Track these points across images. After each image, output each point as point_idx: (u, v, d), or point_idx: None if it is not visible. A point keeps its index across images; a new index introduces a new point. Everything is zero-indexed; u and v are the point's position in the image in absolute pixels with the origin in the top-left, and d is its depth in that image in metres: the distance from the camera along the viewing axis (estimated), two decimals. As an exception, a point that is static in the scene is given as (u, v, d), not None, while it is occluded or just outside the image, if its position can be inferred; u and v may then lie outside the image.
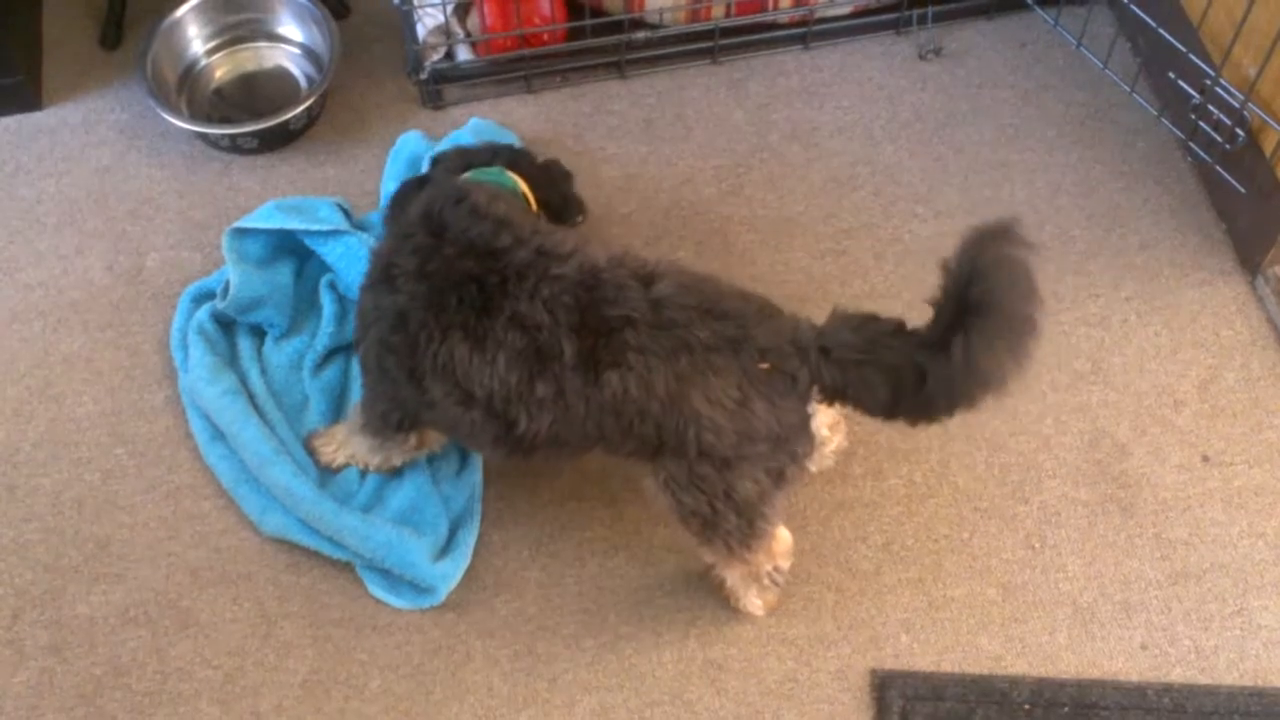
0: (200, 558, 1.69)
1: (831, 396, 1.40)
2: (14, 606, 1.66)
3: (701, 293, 1.39)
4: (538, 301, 1.38)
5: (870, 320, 1.38)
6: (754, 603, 1.61)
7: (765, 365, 1.36)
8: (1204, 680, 1.59)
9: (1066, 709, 1.56)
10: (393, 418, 1.56)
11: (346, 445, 1.70)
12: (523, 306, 1.38)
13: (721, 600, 1.64)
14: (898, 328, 1.37)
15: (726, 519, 1.42)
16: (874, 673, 1.60)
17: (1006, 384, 1.30)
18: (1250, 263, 1.91)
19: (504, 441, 1.44)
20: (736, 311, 1.38)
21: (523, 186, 1.63)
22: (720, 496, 1.40)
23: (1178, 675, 1.60)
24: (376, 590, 1.65)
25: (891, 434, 1.77)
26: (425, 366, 1.43)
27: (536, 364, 1.37)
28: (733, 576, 1.58)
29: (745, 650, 1.62)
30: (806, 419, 1.41)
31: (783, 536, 1.57)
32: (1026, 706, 1.56)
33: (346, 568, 1.68)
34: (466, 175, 1.62)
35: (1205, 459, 1.76)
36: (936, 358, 1.30)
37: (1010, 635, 1.62)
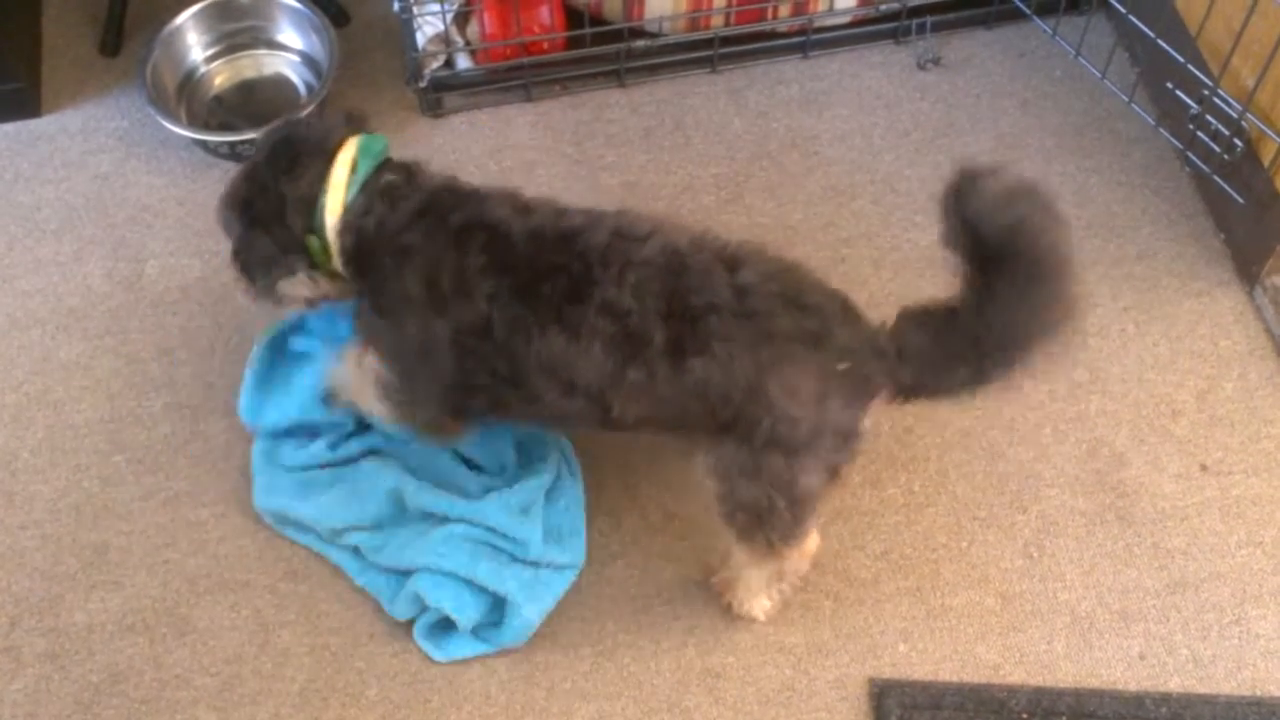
0: (198, 565, 1.69)
1: (909, 395, 1.42)
2: (11, 614, 1.66)
3: (784, 281, 1.39)
4: (626, 288, 1.37)
5: (929, 313, 1.40)
6: (763, 604, 1.61)
7: (844, 365, 1.37)
8: (1202, 689, 1.59)
9: (1064, 718, 1.56)
10: (430, 411, 1.55)
11: (362, 397, 1.65)
12: (611, 293, 1.37)
13: (720, 609, 1.64)
14: (950, 309, 1.38)
15: (779, 512, 1.43)
16: (872, 681, 1.60)
17: (1054, 330, 1.33)
18: (1248, 273, 1.92)
19: (601, 423, 1.45)
20: (818, 306, 1.39)
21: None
22: (781, 487, 1.40)
23: (1175, 684, 1.60)
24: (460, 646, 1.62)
25: (890, 442, 1.77)
26: (529, 365, 1.42)
27: (628, 350, 1.37)
28: (757, 576, 1.57)
29: (743, 658, 1.62)
30: (864, 420, 1.43)
31: (814, 537, 1.59)
32: (1024, 715, 1.56)
33: (345, 575, 1.68)
34: (345, 178, 1.49)
35: (1203, 468, 1.76)
36: (991, 318, 1.33)
37: (1008, 644, 1.62)
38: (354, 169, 1.48)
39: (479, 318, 1.41)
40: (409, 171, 1.51)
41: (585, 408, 1.43)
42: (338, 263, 1.50)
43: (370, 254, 1.47)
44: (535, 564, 1.62)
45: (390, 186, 1.48)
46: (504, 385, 1.45)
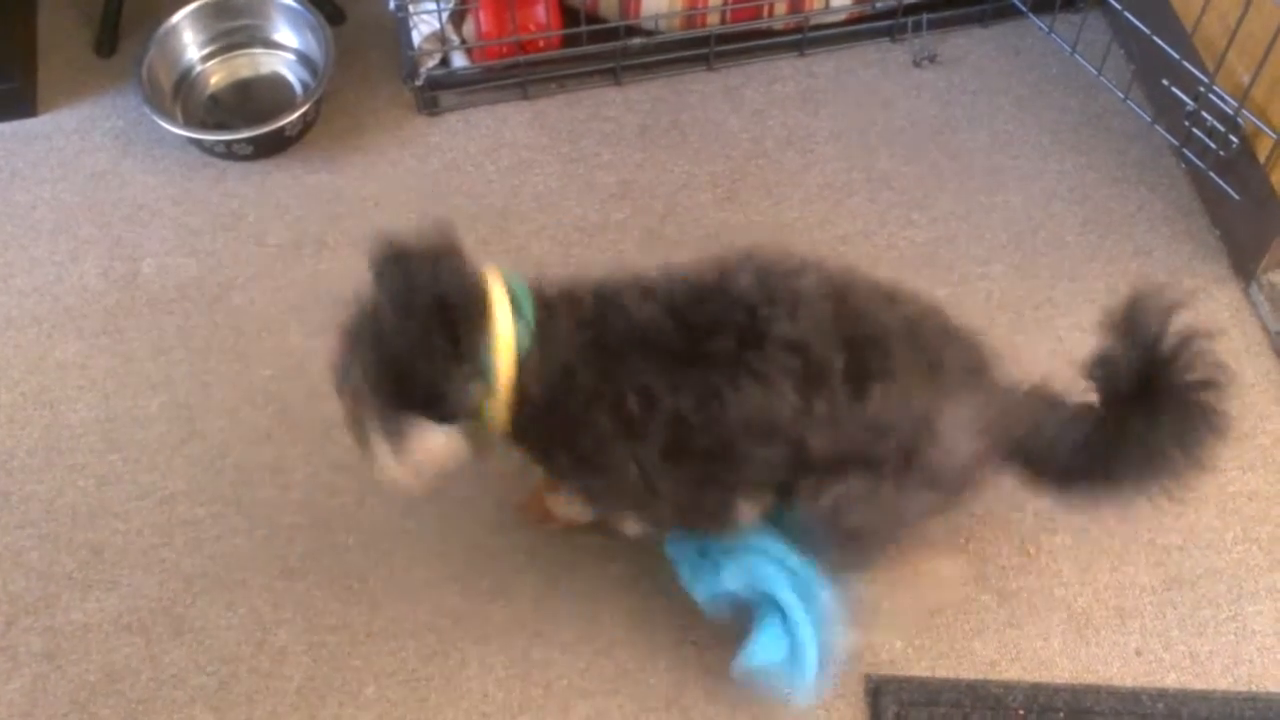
0: (194, 564, 1.69)
1: (1029, 468, 1.43)
2: (8, 613, 1.66)
3: (939, 321, 1.38)
4: (800, 321, 1.32)
5: (1068, 404, 1.41)
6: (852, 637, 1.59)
7: (997, 410, 1.37)
8: (1198, 685, 1.59)
9: (1061, 714, 1.56)
10: (666, 518, 1.49)
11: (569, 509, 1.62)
12: (787, 328, 1.31)
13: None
14: (1084, 411, 1.39)
15: (889, 542, 1.44)
16: (868, 678, 1.60)
17: (1179, 474, 1.36)
18: (1244, 269, 1.92)
19: (795, 470, 1.39)
20: (968, 352, 1.38)
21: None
22: (902, 519, 1.40)
23: (1172, 680, 1.60)
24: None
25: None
26: (731, 428, 1.33)
27: (814, 381, 1.31)
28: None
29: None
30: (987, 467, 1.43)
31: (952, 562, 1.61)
32: (1021, 712, 1.56)
33: (342, 574, 1.68)
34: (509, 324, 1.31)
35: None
36: (1118, 434, 1.35)
37: (1005, 641, 1.62)
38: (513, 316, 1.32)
39: (670, 416, 1.33)
40: (547, 302, 1.37)
41: (785, 453, 1.34)
42: (504, 424, 1.35)
43: (552, 408, 1.35)
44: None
45: (550, 329, 1.34)
46: (713, 462, 1.37)
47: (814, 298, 1.34)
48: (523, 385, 1.31)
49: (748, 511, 1.45)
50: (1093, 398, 1.40)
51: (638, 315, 1.35)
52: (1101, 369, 1.38)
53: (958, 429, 1.34)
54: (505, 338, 1.29)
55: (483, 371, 1.28)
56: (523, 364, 1.31)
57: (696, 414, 1.32)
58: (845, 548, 1.44)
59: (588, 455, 1.38)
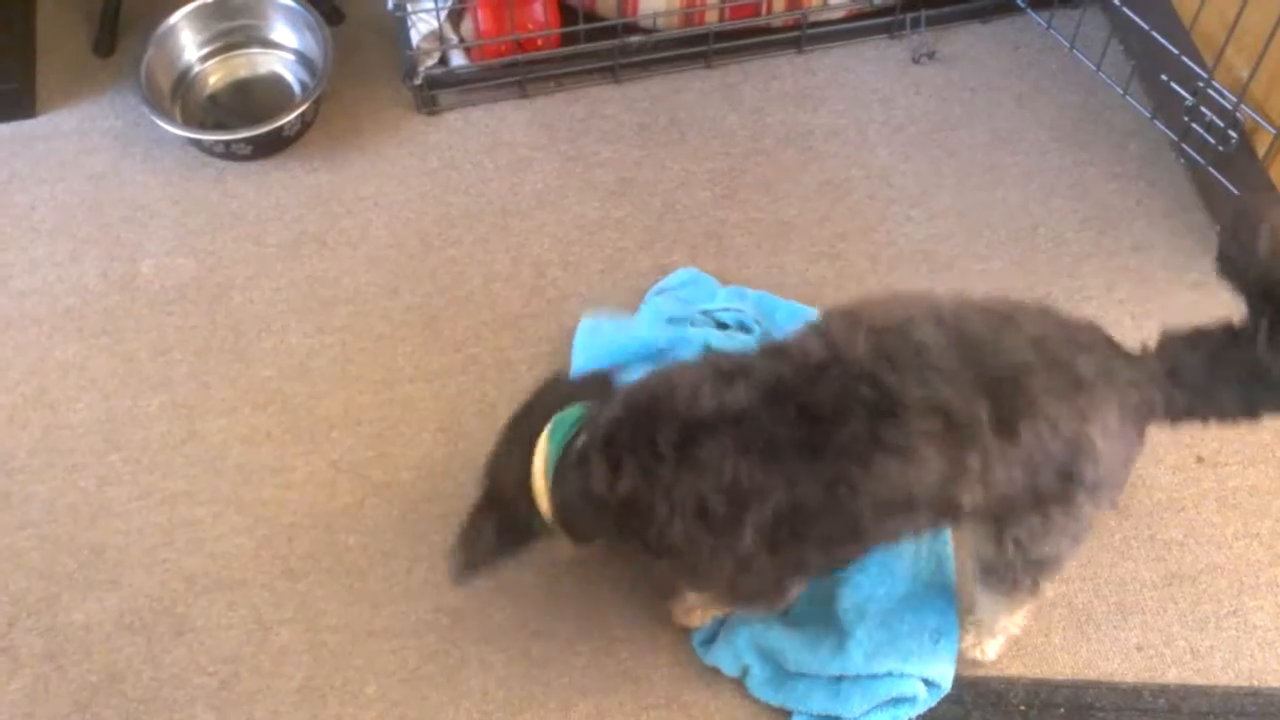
0: (195, 564, 1.69)
1: (1179, 418, 1.36)
2: (9, 614, 1.66)
3: (1058, 323, 1.32)
4: (932, 379, 1.25)
5: (1202, 335, 1.33)
6: (999, 644, 1.58)
7: (1137, 398, 1.32)
8: (1199, 681, 1.59)
9: (1062, 710, 1.56)
10: (786, 584, 1.43)
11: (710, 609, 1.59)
12: (920, 392, 1.25)
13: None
14: (1228, 331, 1.31)
15: (1066, 558, 1.40)
16: (870, 675, 1.60)
17: None
18: (1244, 264, 1.92)
19: (939, 522, 1.38)
20: (1093, 341, 1.31)
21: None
22: (1080, 533, 1.36)
23: (1173, 676, 1.60)
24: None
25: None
26: (862, 513, 1.28)
27: (961, 438, 1.25)
28: (1003, 620, 1.54)
29: (741, 654, 1.62)
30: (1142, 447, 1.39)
31: None
32: (1022, 708, 1.56)
33: (343, 573, 1.68)
34: (544, 459, 1.38)
35: (1199, 460, 1.76)
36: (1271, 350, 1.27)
37: (1006, 637, 1.62)
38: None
39: (781, 507, 1.28)
40: (592, 421, 1.37)
41: (928, 516, 1.31)
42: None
43: (595, 519, 1.36)
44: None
45: (578, 451, 1.35)
46: (841, 545, 1.35)
47: (938, 349, 1.26)
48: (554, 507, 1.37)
49: (801, 585, 1.45)
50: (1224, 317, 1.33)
51: (704, 404, 1.29)
52: (1229, 270, 1.30)
53: (1109, 437, 1.29)
54: (536, 469, 1.37)
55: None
56: (550, 489, 1.37)
57: (821, 503, 1.27)
58: (1031, 575, 1.42)
59: (664, 549, 1.34)
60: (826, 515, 1.29)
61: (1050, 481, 1.29)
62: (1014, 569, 1.40)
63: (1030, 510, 1.32)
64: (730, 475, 1.27)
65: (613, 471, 1.31)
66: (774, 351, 1.32)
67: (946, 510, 1.30)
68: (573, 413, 1.39)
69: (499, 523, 1.40)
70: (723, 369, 1.32)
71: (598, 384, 1.44)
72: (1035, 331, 1.29)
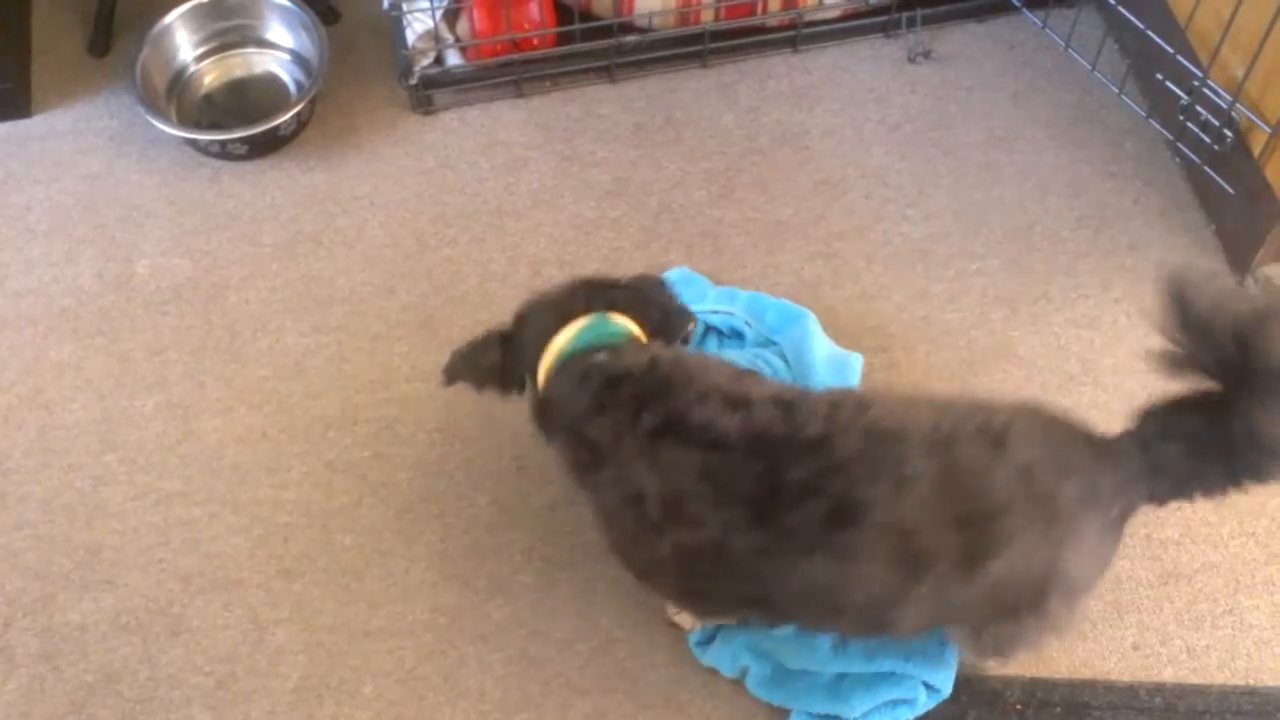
0: (191, 564, 1.69)
1: (1164, 501, 1.35)
2: (4, 614, 1.66)
3: (1048, 440, 1.28)
4: (905, 504, 1.23)
5: (1178, 411, 1.29)
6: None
7: (1117, 511, 1.31)
8: (1196, 680, 1.59)
9: (1058, 709, 1.56)
10: (691, 604, 1.50)
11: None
12: (888, 515, 1.23)
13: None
14: (1205, 405, 1.26)
15: (1039, 642, 1.42)
16: (866, 674, 1.60)
17: None
18: (1239, 263, 1.92)
19: (868, 631, 1.39)
20: (1083, 464, 1.28)
21: (633, 328, 1.43)
22: (1059, 629, 1.35)
23: (1169, 675, 1.60)
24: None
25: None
26: (783, 591, 1.29)
27: (916, 566, 1.24)
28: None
29: (738, 653, 1.62)
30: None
31: None
32: (1019, 707, 1.56)
33: (339, 573, 1.68)
34: (567, 340, 1.39)
35: (1195, 459, 1.76)
36: (1245, 422, 1.23)
37: (1002, 636, 1.63)
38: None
39: (706, 542, 1.27)
40: (622, 352, 1.36)
41: (855, 623, 1.32)
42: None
43: (561, 435, 1.38)
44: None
45: (588, 367, 1.35)
46: (749, 604, 1.35)
47: (920, 473, 1.24)
48: (541, 397, 1.40)
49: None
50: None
51: (698, 415, 1.28)
52: (1177, 367, 1.26)
53: (1084, 555, 1.29)
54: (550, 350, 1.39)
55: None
56: (549, 379, 1.39)
57: (745, 560, 1.26)
58: (1015, 651, 1.43)
59: (592, 490, 1.38)
60: (747, 579, 1.28)
61: (1019, 599, 1.29)
62: (995, 653, 1.43)
63: (1000, 620, 1.33)
64: (676, 489, 1.27)
65: (594, 412, 1.31)
66: (785, 403, 1.30)
67: (879, 626, 1.31)
68: (621, 328, 1.39)
69: (501, 358, 1.45)
70: (736, 393, 1.30)
71: (678, 318, 1.46)
72: (1025, 458, 1.26)
